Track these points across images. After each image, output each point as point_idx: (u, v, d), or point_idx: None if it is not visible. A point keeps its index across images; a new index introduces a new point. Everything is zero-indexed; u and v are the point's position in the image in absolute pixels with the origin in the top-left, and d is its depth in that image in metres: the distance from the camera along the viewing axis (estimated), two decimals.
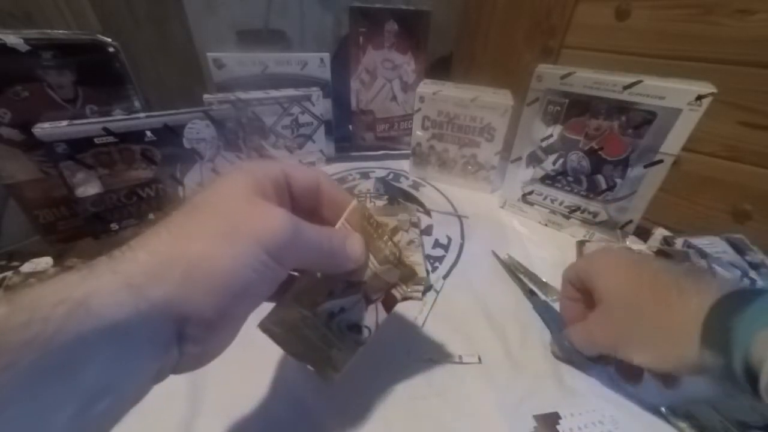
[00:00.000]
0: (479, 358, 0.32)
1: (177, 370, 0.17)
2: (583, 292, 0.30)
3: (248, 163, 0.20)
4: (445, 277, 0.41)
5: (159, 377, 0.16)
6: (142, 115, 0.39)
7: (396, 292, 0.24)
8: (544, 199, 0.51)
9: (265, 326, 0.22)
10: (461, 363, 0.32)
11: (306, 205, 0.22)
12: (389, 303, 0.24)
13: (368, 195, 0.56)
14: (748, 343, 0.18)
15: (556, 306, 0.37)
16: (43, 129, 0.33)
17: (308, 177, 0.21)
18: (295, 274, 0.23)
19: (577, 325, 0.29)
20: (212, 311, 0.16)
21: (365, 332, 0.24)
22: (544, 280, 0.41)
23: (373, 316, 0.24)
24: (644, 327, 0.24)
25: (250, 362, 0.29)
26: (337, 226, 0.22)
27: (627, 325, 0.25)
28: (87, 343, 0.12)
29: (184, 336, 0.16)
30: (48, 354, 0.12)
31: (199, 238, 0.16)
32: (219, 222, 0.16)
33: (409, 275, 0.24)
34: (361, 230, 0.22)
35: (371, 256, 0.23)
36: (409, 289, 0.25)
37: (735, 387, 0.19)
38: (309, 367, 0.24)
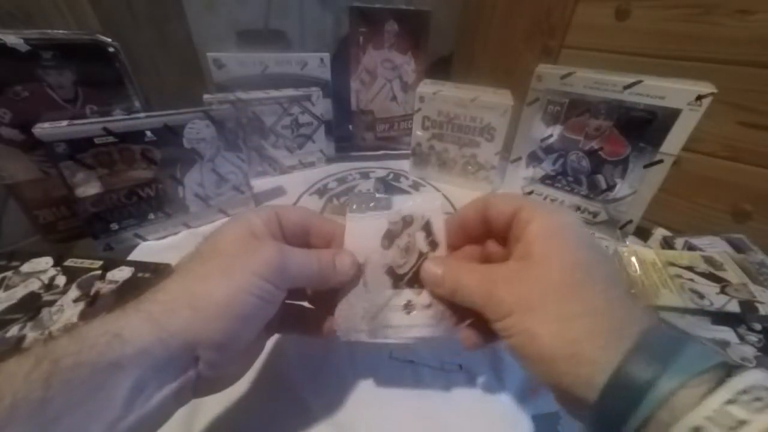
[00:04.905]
0: (479, 358, 0.32)
1: (197, 392, 0.20)
2: (492, 233, 0.25)
3: (243, 211, 0.25)
4: None
5: (181, 399, 0.19)
6: (142, 115, 0.39)
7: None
8: (544, 199, 0.51)
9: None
10: (461, 362, 0.32)
11: (297, 236, 0.25)
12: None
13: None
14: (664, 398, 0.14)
15: None
16: (43, 129, 0.33)
17: (296, 213, 0.26)
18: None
19: (471, 265, 0.23)
20: (220, 334, 0.19)
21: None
22: None
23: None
24: (574, 306, 0.18)
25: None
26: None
27: (557, 292, 0.18)
28: (121, 365, 0.16)
29: (199, 359, 0.19)
30: (95, 373, 0.15)
31: (203, 277, 0.20)
32: (218, 262, 0.20)
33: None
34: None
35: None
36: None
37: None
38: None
